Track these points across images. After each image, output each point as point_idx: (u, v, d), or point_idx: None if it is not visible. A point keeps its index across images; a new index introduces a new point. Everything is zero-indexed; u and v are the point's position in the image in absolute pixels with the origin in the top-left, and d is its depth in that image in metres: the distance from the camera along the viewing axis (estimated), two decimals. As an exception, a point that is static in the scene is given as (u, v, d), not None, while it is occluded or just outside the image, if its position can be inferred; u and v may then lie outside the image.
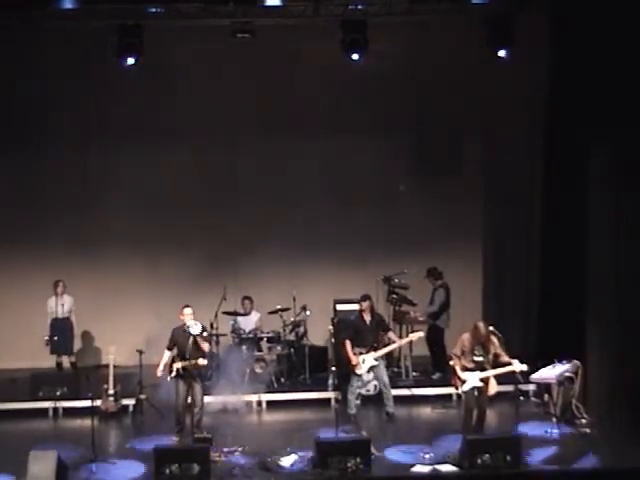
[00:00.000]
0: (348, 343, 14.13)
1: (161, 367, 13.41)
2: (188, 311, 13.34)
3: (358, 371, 14.08)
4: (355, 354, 14.08)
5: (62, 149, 17.35)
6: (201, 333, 13.25)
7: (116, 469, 12.40)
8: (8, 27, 15.59)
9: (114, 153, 17.54)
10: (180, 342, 13.29)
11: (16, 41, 16.48)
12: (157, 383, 14.00)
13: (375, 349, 14.14)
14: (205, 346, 13.31)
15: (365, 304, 14.35)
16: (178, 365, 13.18)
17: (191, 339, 13.17)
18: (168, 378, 13.28)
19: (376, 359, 14.12)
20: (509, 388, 13.39)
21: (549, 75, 15.68)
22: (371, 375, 14.15)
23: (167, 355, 13.42)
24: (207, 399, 14.16)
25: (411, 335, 14.83)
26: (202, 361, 13.35)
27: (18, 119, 17.13)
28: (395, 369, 15.85)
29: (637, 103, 13.58)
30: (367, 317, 14.33)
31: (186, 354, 13.18)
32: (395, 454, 12.68)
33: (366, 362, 14.07)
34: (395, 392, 14.52)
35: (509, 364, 12.78)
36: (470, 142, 17.83)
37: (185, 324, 13.27)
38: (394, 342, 14.44)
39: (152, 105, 17.39)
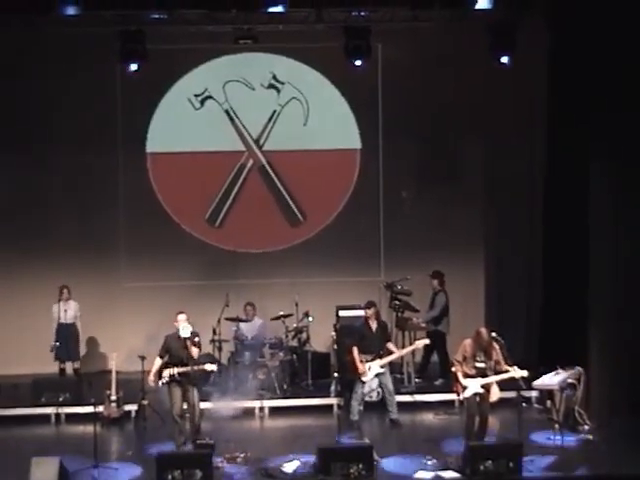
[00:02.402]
0: (355, 350, 14.11)
1: (151, 376, 13.38)
2: (182, 317, 13.31)
3: (364, 378, 14.05)
4: (362, 361, 14.06)
5: (64, 151, 17.36)
6: (191, 337, 13.22)
7: (118, 475, 12.39)
8: (11, 32, 15.62)
9: (114, 160, 17.58)
10: (174, 348, 13.26)
11: (19, 46, 16.51)
12: (159, 389, 13.97)
13: (381, 356, 14.12)
14: (194, 351, 13.25)
15: (371, 311, 14.33)
16: (173, 371, 13.14)
17: (186, 344, 13.19)
18: (160, 384, 13.27)
19: (382, 366, 14.10)
20: (512, 394, 13.36)
21: (549, 78, 15.69)
22: (375, 382, 14.14)
23: (158, 362, 13.33)
24: (209, 405, 14.16)
25: (417, 342, 14.81)
26: (210, 366, 13.39)
27: (17, 128, 17.15)
28: (397, 375, 15.81)
29: (636, 105, 13.59)
30: (373, 324, 14.31)
31: (183, 360, 13.17)
32: (397, 462, 12.68)
33: (372, 369, 14.05)
34: (397, 398, 14.50)
35: (507, 372, 12.78)
36: (471, 146, 17.84)
37: (178, 330, 13.30)
38: (394, 352, 14.37)
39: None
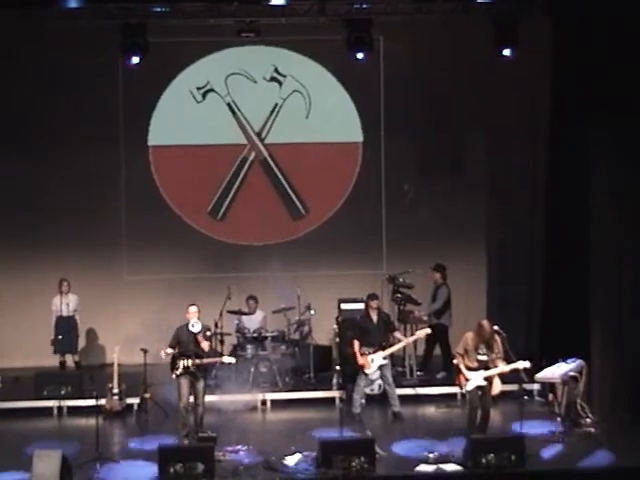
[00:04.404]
0: (356, 343, 14.12)
1: (163, 351, 13.30)
2: (193, 309, 13.34)
3: (367, 370, 14.05)
4: (363, 354, 14.06)
5: (66, 144, 17.35)
6: (202, 332, 13.25)
7: (120, 468, 12.40)
8: (11, 26, 15.61)
9: (116, 153, 17.57)
10: (185, 341, 13.29)
11: (19, 40, 16.52)
12: (162, 382, 13.98)
13: (383, 348, 14.13)
14: (205, 345, 13.28)
15: (374, 303, 14.33)
16: (187, 363, 13.17)
17: (197, 338, 13.21)
18: (173, 376, 13.27)
19: (385, 358, 14.11)
20: (513, 387, 13.37)
21: (551, 74, 15.66)
22: (377, 374, 14.14)
23: (169, 352, 13.31)
24: (212, 398, 14.17)
25: (418, 332, 14.82)
26: (227, 359, 13.50)
27: (18, 119, 17.15)
28: (399, 368, 15.82)
29: (638, 102, 13.59)
30: (374, 316, 14.31)
31: (197, 352, 13.20)
32: (399, 455, 12.69)
33: (375, 361, 14.05)
34: (399, 391, 14.51)
35: (510, 363, 12.78)
36: (473, 140, 17.84)
37: (189, 322, 13.30)
38: (400, 341, 14.41)
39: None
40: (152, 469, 11.99)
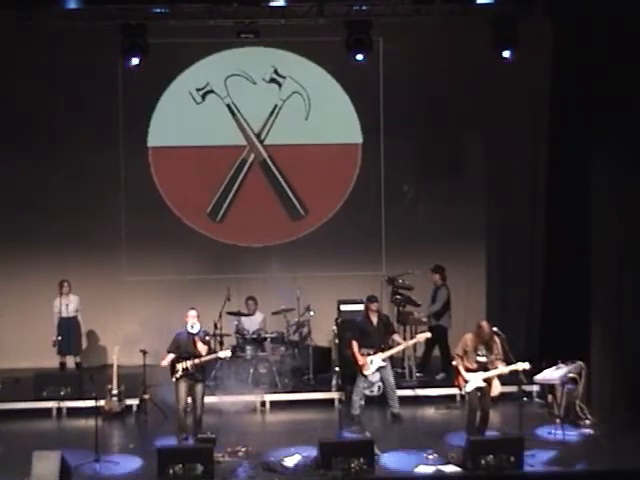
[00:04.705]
0: (355, 344, 14.11)
1: (165, 361, 13.35)
2: (192, 313, 13.36)
3: (366, 372, 14.04)
4: (362, 355, 14.06)
5: (66, 145, 17.34)
6: (199, 334, 13.25)
7: (119, 469, 12.39)
8: (11, 26, 15.62)
9: (115, 154, 17.56)
10: (183, 344, 13.30)
11: (18, 41, 16.51)
12: (161, 383, 13.97)
13: (382, 350, 14.11)
14: (202, 348, 13.29)
15: (373, 306, 14.32)
16: (186, 364, 13.17)
17: (194, 340, 13.21)
18: (173, 379, 13.27)
19: (384, 360, 14.10)
20: (513, 389, 13.36)
21: (551, 75, 15.66)
22: (377, 376, 14.13)
23: (169, 358, 13.36)
24: (212, 399, 14.16)
25: (418, 336, 14.80)
26: (223, 353, 13.53)
27: (18, 119, 17.15)
28: (399, 370, 15.81)
29: (638, 103, 13.58)
30: (374, 318, 14.30)
31: (188, 355, 13.20)
32: (398, 456, 12.67)
33: (374, 363, 14.04)
34: (399, 393, 14.49)
35: (510, 364, 12.77)
36: (472, 141, 17.83)
37: (187, 325, 13.31)
38: (399, 344, 14.40)
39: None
40: (151, 470, 11.96)
